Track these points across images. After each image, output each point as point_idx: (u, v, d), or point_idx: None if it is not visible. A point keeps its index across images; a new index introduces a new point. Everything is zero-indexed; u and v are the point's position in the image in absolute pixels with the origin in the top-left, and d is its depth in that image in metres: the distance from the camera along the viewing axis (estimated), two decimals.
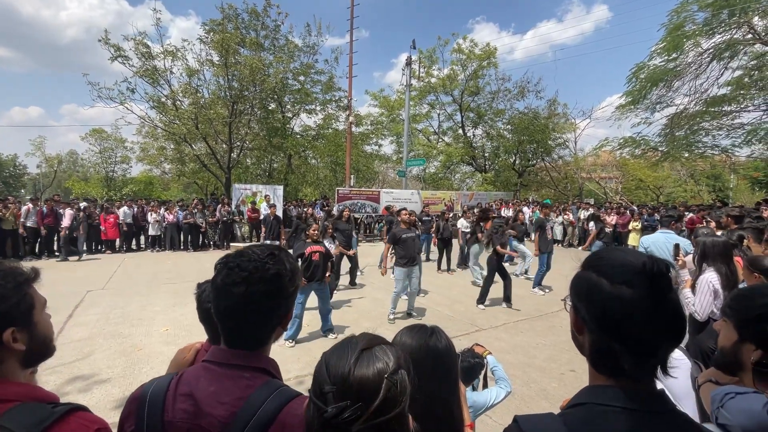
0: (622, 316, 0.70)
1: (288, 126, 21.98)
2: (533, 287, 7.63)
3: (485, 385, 2.22)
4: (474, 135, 26.66)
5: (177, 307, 6.24)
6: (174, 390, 0.89)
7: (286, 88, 20.20)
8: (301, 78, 20.77)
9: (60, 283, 7.74)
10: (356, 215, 15.70)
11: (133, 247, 12.59)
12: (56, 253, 10.98)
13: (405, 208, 6.59)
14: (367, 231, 17.04)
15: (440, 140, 27.11)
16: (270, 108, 20.51)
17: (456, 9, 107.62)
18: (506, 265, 7.67)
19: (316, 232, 5.34)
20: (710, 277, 2.68)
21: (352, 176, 18.29)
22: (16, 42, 72.10)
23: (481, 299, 6.61)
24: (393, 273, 5.90)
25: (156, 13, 15.95)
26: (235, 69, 16.49)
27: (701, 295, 2.65)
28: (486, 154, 26.52)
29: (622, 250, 0.80)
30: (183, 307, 6.17)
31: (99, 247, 12.02)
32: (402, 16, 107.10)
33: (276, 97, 20.12)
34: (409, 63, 17.64)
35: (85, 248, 11.69)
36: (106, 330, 5.22)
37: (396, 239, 5.80)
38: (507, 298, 6.61)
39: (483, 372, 2.20)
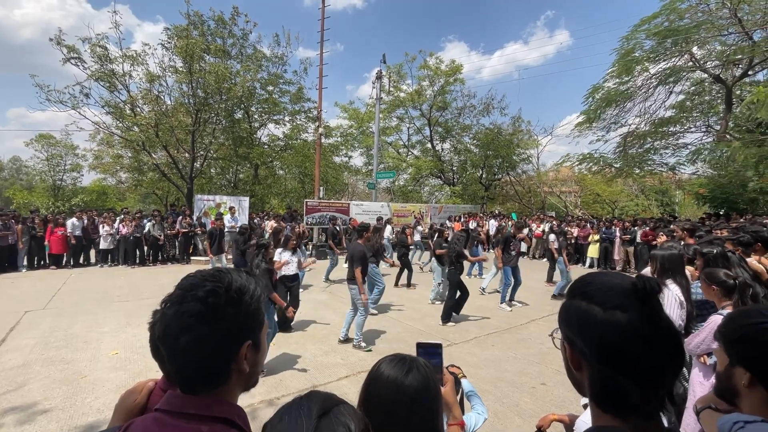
0: (621, 344, 0.65)
1: (255, 136, 21.48)
2: (500, 303, 7.53)
3: (462, 411, 2.13)
4: (442, 149, 27.24)
5: (129, 327, 5.76)
6: None
7: (253, 97, 19.79)
8: (270, 88, 20.46)
9: None
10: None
11: (82, 262, 11.64)
12: None
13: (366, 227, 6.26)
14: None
15: (409, 153, 27.45)
16: (236, 117, 19.99)
17: (429, 27, 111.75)
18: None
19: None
20: (674, 290, 2.76)
21: (321, 188, 18.04)
22: None
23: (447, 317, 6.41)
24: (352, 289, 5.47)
25: (114, 15, 15.21)
26: (200, 76, 15.95)
27: (669, 308, 2.72)
28: (454, 168, 27.10)
29: (606, 273, 0.76)
30: (136, 327, 5.70)
31: (42, 263, 11.03)
32: (377, 32, 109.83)
33: (243, 106, 19.66)
34: (379, 77, 17.82)
35: (25, 263, 10.70)
36: (45, 355, 4.70)
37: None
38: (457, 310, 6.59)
39: (459, 395, 2.11)
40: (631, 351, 0.65)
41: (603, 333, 0.67)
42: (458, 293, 6.50)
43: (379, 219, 13.41)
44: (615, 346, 0.66)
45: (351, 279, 5.31)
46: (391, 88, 23.21)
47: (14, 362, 4.49)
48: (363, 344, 5.25)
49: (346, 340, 5.40)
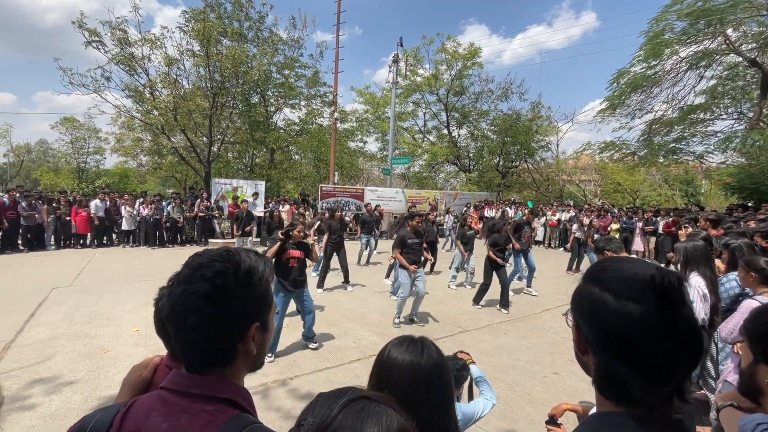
0: (630, 336, 0.62)
1: (271, 120, 21.55)
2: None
3: (470, 396, 2.13)
4: (458, 135, 26.79)
5: (149, 306, 5.81)
6: (118, 427, 0.73)
7: (269, 81, 19.77)
8: (286, 72, 20.40)
9: (23, 280, 7.33)
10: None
11: (105, 242, 12.04)
12: (20, 248, 10.40)
13: (418, 214, 6.41)
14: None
15: (425, 139, 27.10)
16: (252, 101, 20.06)
17: (449, 10, 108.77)
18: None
19: (300, 233, 4.77)
20: (697, 282, 2.68)
21: (336, 173, 18.05)
22: None
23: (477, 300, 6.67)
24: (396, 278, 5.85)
25: None
26: (217, 59, 16.00)
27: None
28: (470, 154, 26.65)
29: (628, 260, 0.71)
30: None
31: (68, 242, 11.45)
32: (396, 16, 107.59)
33: (259, 90, 19.68)
34: (396, 61, 17.51)
35: (53, 242, 11.14)
36: (71, 330, 4.91)
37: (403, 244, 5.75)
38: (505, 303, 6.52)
39: (467, 383, 2.10)
40: (638, 344, 0.62)
41: (612, 323, 0.64)
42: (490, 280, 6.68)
43: (411, 207, 13.54)
44: (622, 338, 0.63)
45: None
46: (408, 72, 22.80)
47: (42, 336, 4.71)
48: (396, 320, 5.62)
49: (410, 321, 5.74)
